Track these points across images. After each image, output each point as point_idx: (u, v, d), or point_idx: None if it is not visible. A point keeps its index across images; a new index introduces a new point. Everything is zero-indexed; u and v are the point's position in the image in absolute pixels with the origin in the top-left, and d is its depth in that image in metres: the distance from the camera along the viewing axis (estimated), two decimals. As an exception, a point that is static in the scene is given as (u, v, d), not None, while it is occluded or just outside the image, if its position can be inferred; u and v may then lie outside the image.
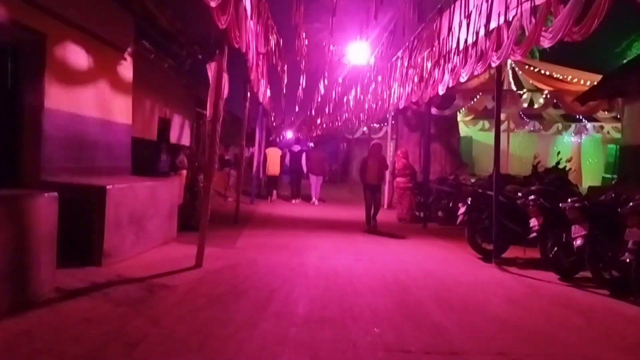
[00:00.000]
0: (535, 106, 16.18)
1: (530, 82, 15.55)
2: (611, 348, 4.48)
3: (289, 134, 42.07)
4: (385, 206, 16.14)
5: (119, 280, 5.51)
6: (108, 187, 5.85)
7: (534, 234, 7.47)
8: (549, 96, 15.61)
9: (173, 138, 14.46)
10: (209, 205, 6.56)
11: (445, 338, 4.44)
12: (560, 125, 25.44)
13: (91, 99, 7.53)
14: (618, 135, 24.76)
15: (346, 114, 20.62)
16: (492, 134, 8.58)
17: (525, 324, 5.02)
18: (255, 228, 10.62)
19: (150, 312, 4.62)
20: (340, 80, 18.13)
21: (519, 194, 8.24)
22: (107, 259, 5.89)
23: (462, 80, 9.22)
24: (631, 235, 5.73)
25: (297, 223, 11.96)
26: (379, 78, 15.30)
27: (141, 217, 6.67)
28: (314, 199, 17.20)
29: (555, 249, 7.19)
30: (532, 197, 7.62)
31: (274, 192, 17.46)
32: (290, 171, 17.72)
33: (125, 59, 8.59)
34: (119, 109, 8.49)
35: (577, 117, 24.09)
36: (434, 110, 15.83)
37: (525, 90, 15.83)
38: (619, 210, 6.02)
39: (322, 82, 17.14)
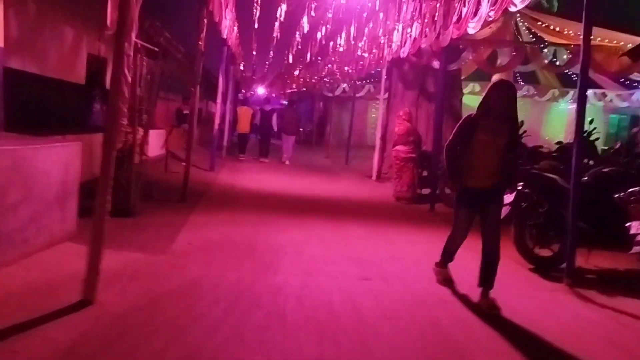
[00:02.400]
0: (558, 63, 13.51)
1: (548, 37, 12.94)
2: None
3: (261, 90, 38.88)
4: (374, 177, 13.40)
5: None
6: None
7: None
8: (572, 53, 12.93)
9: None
10: (108, 186, 3.59)
11: None
12: (556, 91, 23.07)
13: None
14: (623, 104, 22.63)
15: (329, 66, 17.55)
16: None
17: None
18: (208, 210, 7.70)
19: None
20: (328, 18, 14.91)
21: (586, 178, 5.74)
22: None
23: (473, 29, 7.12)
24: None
25: (266, 201, 9.09)
26: (381, 16, 12.28)
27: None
28: (285, 158, 16.61)
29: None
30: (633, 190, 4.97)
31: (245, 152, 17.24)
32: (260, 130, 17.89)
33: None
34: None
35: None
36: (436, 64, 13.03)
37: (547, 43, 13.10)
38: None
39: (305, 18, 13.94)
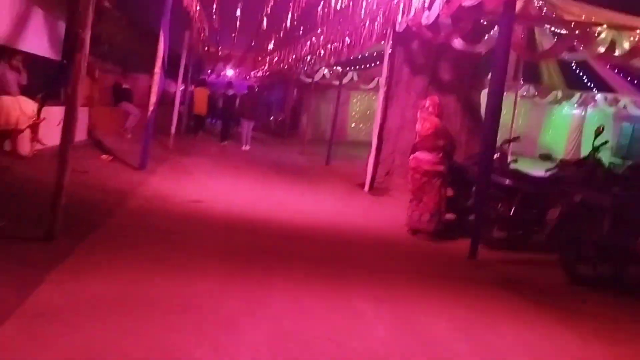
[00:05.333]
0: (617, 53, 10.32)
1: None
2: None
3: (229, 72, 35.03)
4: (366, 187, 10.01)
5: None
6: None
7: None
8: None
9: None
10: None
11: None
12: (560, 93, 20.17)
13: None
14: (638, 113, 19.90)
15: (313, 40, 13.96)
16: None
17: None
18: (95, 263, 4.00)
19: None
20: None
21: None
22: None
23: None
24: None
25: (214, 235, 5.52)
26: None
27: None
28: (245, 144, 16.01)
29: None
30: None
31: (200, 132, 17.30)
32: (222, 115, 18.14)
33: None
34: None
35: (588, 84, 19.01)
36: (458, 43, 9.73)
37: (605, 26, 9.87)
38: None
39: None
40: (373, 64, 19.97)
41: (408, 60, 11.07)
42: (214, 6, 12.46)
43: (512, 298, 4.67)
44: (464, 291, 4.74)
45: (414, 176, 6.74)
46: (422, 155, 6.65)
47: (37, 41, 9.22)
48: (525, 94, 19.26)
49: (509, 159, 8.03)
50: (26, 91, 7.66)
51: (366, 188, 10.01)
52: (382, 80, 10.26)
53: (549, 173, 7.14)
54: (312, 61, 16.48)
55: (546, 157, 7.51)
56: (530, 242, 6.72)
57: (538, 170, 7.80)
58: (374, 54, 17.58)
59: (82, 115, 10.19)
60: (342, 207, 8.23)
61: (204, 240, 5.09)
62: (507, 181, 6.58)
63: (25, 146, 7.23)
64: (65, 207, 4.40)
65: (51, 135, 8.07)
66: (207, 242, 5.05)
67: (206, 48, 18.65)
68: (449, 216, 7.29)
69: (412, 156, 6.83)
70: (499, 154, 7.45)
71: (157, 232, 5.16)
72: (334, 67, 19.39)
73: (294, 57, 17.51)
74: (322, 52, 13.81)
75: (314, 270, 4.73)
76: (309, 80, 20.17)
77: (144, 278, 3.85)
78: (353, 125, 24.55)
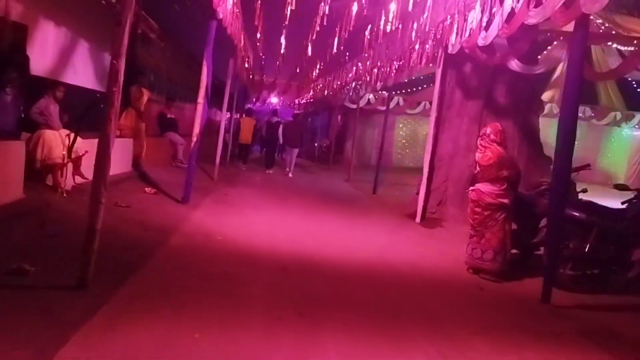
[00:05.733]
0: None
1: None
2: None
3: (274, 100, 35.22)
4: (418, 218, 9.42)
5: None
6: None
7: None
8: None
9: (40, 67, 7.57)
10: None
11: None
12: (619, 114, 19.03)
13: None
14: None
15: (359, 65, 13.59)
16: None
17: None
18: (127, 319, 3.60)
19: None
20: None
21: None
22: None
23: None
24: None
25: (259, 284, 5.14)
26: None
27: None
28: (288, 170, 16.35)
29: None
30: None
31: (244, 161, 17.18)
32: (266, 143, 18.24)
33: None
34: None
35: (651, 105, 17.86)
36: (515, 65, 9.15)
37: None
38: None
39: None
40: (419, 87, 19.47)
41: (460, 83, 10.53)
42: (259, 34, 12.24)
43: (602, 357, 4.01)
44: (543, 346, 4.11)
45: (475, 210, 6.15)
46: (484, 187, 6.07)
47: (82, 74, 9.19)
48: (581, 115, 18.33)
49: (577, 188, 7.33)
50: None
51: (418, 219, 9.43)
52: (434, 105, 9.72)
53: (626, 205, 6.41)
54: (358, 86, 16.12)
55: (621, 187, 6.75)
56: (608, 284, 6.00)
57: (610, 201, 7.06)
58: (421, 77, 17.08)
59: (127, 146, 10.07)
60: (394, 241, 7.67)
61: (248, 287, 4.64)
62: (582, 215, 5.91)
63: (67, 180, 7.04)
64: (103, 248, 4.06)
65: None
66: (252, 289, 4.60)
67: (251, 76, 18.57)
68: (512, 252, 6.64)
69: (472, 188, 6.26)
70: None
71: (198, 276, 4.76)
72: (380, 92, 19.00)
73: (338, 83, 17.21)
74: (368, 77, 13.42)
75: (369, 320, 4.21)
76: (354, 105, 19.83)
77: (182, 334, 3.44)
78: (399, 150, 24.00)
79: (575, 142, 5.41)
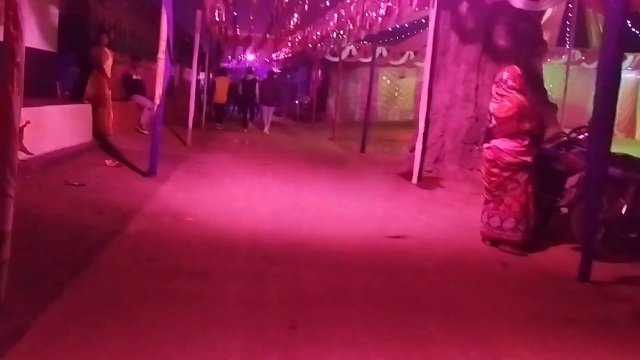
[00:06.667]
0: None
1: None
2: None
3: (250, 57, 33.69)
4: (414, 179, 8.48)
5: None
6: None
7: None
8: None
9: None
10: None
11: None
12: (610, 57, 18.06)
13: None
14: None
15: (342, 11, 12.36)
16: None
17: None
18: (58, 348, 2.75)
19: None
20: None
21: None
22: None
23: None
24: None
25: (239, 281, 4.18)
26: None
27: None
28: (265, 128, 16.48)
29: None
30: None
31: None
32: (241, 101, 18.67)
33: None
34: None
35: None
36: (517, 1, 8.06)
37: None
38: None
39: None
40: (404, 36, 18.24)
41: (456, 26, 9.47)
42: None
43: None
44: (597, 340, 3.26)
45: (492, 171, 5.20)
46: (502, 144, 5.10)
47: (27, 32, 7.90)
48: (570, 59, 17.49)
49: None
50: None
51: (414, 180, 8.49)
52: (427, 52, 8.64)
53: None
54: (340, 36, 14.89)
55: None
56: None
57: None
58: (406, 25, 15.87)
59: (85, 112, 8.91)
60: (393, 208, 6.73)
61: (223, 286, 3.67)
62: (616, 170, 5.01)
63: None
64: (35, 245, 3.08)
65: (41, 141, 6.78)
66: (228, 288, 3.64)
67: (223, 30, 17.18)
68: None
69: (487, 145, 5.30)
70: (586, 134, 5.87)
71: (161, 274, 3.77)
72: (363, 43, 17.80)
73: (318, 34, 15.94)
74: (352, 25, 12.22)
75: (382, 324, 3.29)
76: (335, 59, 18.67)
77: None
78: (383, 104, 23.01)
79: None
